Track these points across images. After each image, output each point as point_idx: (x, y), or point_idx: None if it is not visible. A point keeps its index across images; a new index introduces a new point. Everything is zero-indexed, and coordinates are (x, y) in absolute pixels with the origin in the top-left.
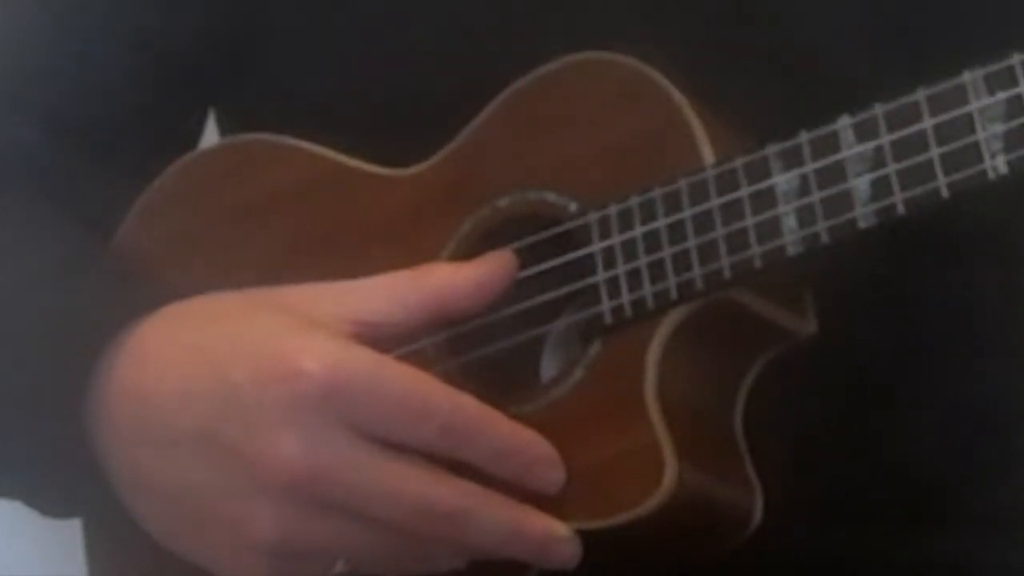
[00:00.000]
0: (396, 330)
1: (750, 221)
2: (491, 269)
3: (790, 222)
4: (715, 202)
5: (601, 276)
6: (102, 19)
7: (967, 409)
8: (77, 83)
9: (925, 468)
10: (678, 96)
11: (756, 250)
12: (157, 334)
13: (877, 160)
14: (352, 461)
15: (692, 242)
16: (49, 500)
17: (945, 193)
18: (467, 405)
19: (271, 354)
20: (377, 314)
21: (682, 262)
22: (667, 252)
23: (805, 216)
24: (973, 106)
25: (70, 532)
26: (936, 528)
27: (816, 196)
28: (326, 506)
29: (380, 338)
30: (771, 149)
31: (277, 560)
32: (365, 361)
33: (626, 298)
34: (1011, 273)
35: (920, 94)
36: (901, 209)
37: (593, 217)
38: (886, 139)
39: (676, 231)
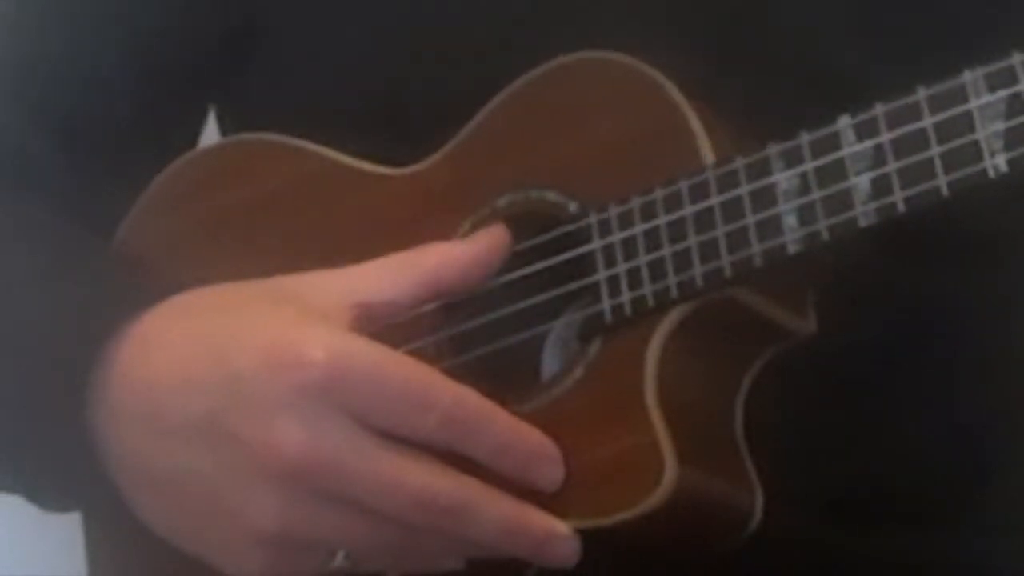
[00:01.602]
0: (396, 308)
1: (750, 219)
2: (487, 245)
3: (791, 220)
4: (716, 201)
5: (601, 275)
6: (102, 19)
7: (967, 409)
8: (77, 83)
9: (925, 468)
10: (678, 96)
11: (756, 248)
12: (159, 324)
13: (877, 158)
14: (353, 451)
15: (692, 240)
16: (49, 494)
17: (945, 192)
18: (468, 398)
19: (274, 343)
20: (377, 294)
21: (682, 260)
22: (667, 251)
23: (806, 214)
24: (973, 105)
25: (70, 530)
26: (936, 527)
27: (816, 195)
28: (327, 496)
29: (379, 316)
30: (772, 149)
31: (276, 551)
32: (368, 351)
33: (626, 297)
34: (1011, 273)
35: (921, 94)
36: (902, 207)
37: (594, 217)
38: (886, 138)
39: (676, 229)
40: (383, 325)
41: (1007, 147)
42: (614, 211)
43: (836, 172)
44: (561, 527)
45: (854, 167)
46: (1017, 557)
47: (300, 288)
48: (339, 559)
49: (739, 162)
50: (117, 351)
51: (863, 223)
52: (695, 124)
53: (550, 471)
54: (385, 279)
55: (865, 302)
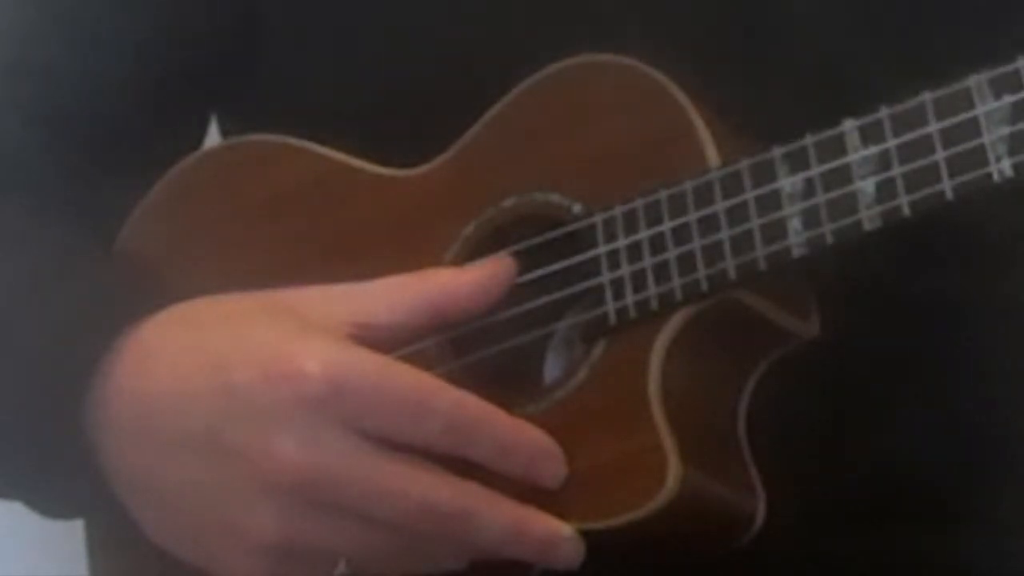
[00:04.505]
0: (396, 333)
1: (755, 223)
2: (491, 273)
3: (795, 224)
4: (720, 204)
5: (606, 277)
6: (105, 22)
7: (967, 410)
8: (80, 86)
9: (926, 469)
10: (683, 99)
11: (761, 252)
12: (159, 335)
13: (882, 162)
14: (354, 462)
15: (697, 243)
16: (49, 502)
17: (950, 195)
18: (468, 402)
19: (273, 356)
20: (377, 316)
21: (687, 263)
22: (672, 253)
23: (810, 218)
24: (979, 109)
25: (70, 532)
26: (936, 528)
27: (821, 198)
28: (328, 507)
29: (380, 340)
30: (776, 151)
31: (278, 561)
32: (366, 361)
33: (630, 299)
34: (1011, 275)
35: (926, 97)
36: (906, 211)
37: (598, 218)
38: (892, 142)
39: (681, 232)
40: (380, 348)
41: (1012, 151)
42: (619, 213)
43: (841, 176)
44: (565, 529)
45: (859, 171)
46: (1018, 557)
47: (299, 302)
48: (341, 567)
49: (744, 164)
50: (115, 362)
51: (868, 227)
52: (700, 126)
53: (552, 468)
54: (385, 302)
55: (867, 304)
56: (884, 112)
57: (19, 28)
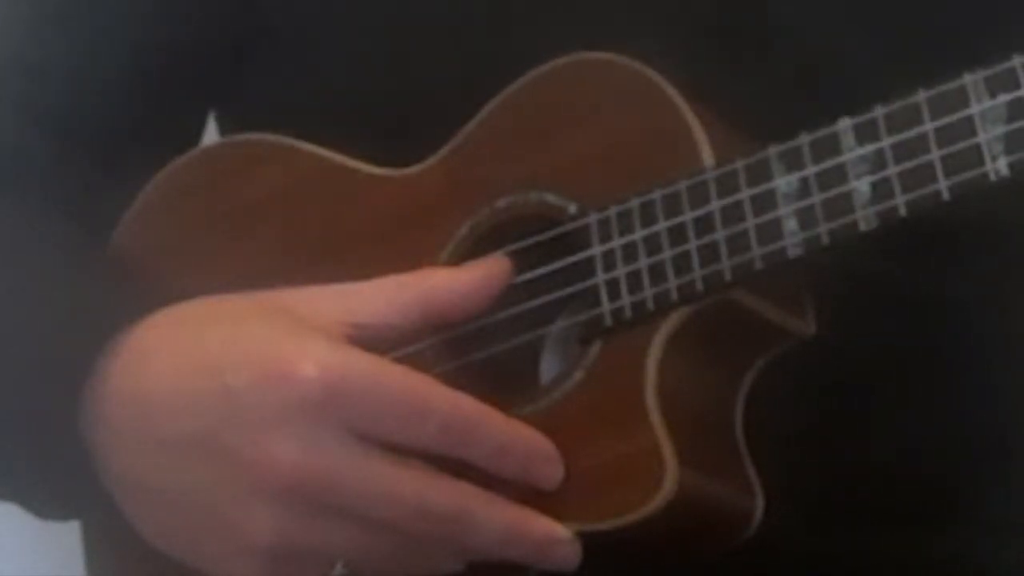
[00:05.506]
0: (392, 333)
1: (751, 223)
2: (487, 273)
3: (791, 224)
4: (715, 204)
5: (601, 278)
6: (103, 20)
7: (966, 409)
8: (77, 84)
9: (924, 468)
10: (678, 98)
11: (757, 252)
12: (154, 337)
13: (878, 162)
14: (350, 463)
15: (693, 244)
16: (45, 503)
17: (946, 195)
18: (464, 404)
19: (268, 357)
20: (373, 317)
21: (683, 264)
22: (667, 254)
23: (806, 218)
24: (974, 108)
25: (69, 532)
26: (935, 528)
27: (817, 198)
28: (324, 509)
29: (376, 341)
30: (772, 151)
31: (274, 563)
32: (362, 363)
33: (626, 300)
34: (1011, 273)
35: (921, 96)
36: (902, 211)
37: (593, 218)
38: (887, 141)
39: (677, 233)
40: (376, 348)
41: (1008, 151)
42: (613, 213)
43: (836, 175)
44: (562, 531)
45: (854, 170)
46: (1015, 557)
47: (295, 303)
48: (338, 568)
49: (739, 164)
50: (110, 363)
51: (864, 227)
52: (695, 126)
53: (549, 470)
54: (381, 302)
55: (864, 302)
56: (879, 111)
57: (15, 26)
